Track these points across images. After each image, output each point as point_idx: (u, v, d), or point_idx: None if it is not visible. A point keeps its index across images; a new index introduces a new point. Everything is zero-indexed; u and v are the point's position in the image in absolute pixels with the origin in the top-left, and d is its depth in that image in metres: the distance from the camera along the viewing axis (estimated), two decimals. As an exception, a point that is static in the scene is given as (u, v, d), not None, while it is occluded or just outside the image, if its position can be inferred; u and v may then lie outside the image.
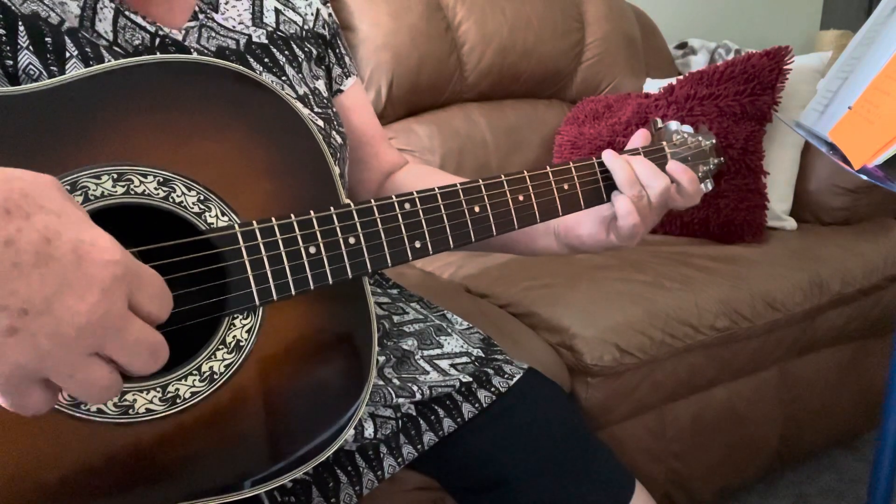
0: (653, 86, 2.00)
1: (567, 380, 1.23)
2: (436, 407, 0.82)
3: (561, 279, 1.38)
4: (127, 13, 0.69)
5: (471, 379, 0.84)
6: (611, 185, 0.79)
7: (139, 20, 0.70)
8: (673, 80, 1.72)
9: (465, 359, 0.87)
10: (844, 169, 0.82)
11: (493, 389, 0.85)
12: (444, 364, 0.86)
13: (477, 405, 0.83)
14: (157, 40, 0.71)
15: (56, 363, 0.39)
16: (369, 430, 0.78)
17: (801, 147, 1.75)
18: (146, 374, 0.44)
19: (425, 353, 0.87)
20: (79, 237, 0.40)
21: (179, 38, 0.73)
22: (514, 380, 0.86)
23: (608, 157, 0.77)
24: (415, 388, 0.81)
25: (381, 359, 0.83)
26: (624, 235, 0.78)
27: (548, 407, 0.86)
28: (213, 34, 0.75)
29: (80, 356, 0.40)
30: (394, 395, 0.79)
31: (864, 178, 0.79)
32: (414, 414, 0.81)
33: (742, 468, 1.53)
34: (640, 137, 0.85)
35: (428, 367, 0.85)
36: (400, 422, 0.80)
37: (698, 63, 2.36)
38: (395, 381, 0.81)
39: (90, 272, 0.40)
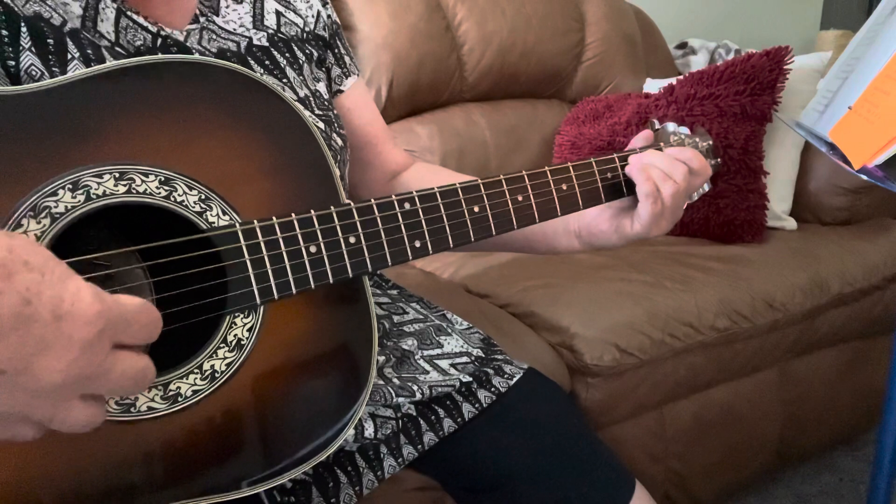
0: (653, 86, 2.00)
1: (567, 380, 1.23)
2: (436, 407, 0.82)
3: (561, 279, 1.38)
4: (129, 13, 0.69)
5: (471, 379, 0.84)
6: (608, 186, 0.79)
7: (141, 20, 0.70)
8: (673, 80, 1.72)
9: (465, 359, 0.87)
10: (844, 169, 0.82)
11: (493, 389, 0.85)
12: (444, 364, 0.86)
13: (477, 405, 0.83)
14: (159, 41, 0.71)
15: (37, 411, 0.40)
16: (369, 431, 0.78)
17: (801, 147, 1.75)
18: (133, 395, 0.44)
19: (425, 352, 0.87)
20: (60, 295, 0.40)
21: (181, 38, 0.73)
22: (514, 380, 0.86)
23: (634, 169, 0.79)
24: (415, 387, 0.81)
25: (381, 359, 0.83)
26: (646, 222, 0.78)
27: (548, 407, 0.86)
28: (214, 37, 0.75)
29: (60, 403, 0.41)
30: (394, 395, 0.79)
31: (864, 178, 0.79)
32: (414, 414, 0.81)
33: (742, 468, 1.53)
34: (642, 138, 0.85)
35: (428, 367, 0.85)
36: (400, 422, 0.80)
37: (698, 63, 2.36)
38: (395, 380, 0.81)
39: (69, 332, 0.40)
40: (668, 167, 0.78)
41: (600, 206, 0.84)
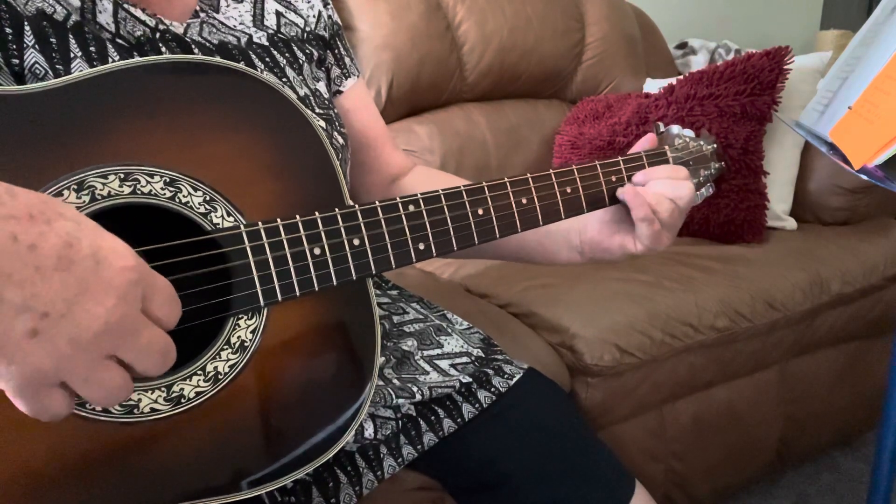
0: (653, 86, 2.00)
1: (567, 380, 1.23)
2: (436, 407, 0.83)
3: (561, 279, 1.39)
4: (126, 6, 0.69)
5: (471, 379, 0.85)
6: (613, 190, 0.79)
7: (138, 13, 0.70)
8: (673, 80, 1.72)
9: (465, 359, 0.87)
10: (844, 169, 0.82)
11: (493, 390, 0.85)
12: (444, 364, 0.86)
13: (477, 405, 0.83)
14: (158, 34, 0.71)
15: (74, 366, 0.40)
16: (369, 431, 0.78)
17: (801, 147, 1.75)
18: (155, 375, 0.45)
19: (425, 353, 0.87)
20: (98, 243, 0.41)
21: (180, 31, 0.73)
22: (514, 380, 0.86)
23: (628, 194, 0.78)
24: (415, 388, 0.81)
25: (382, 359, 0.83)
26: (649, 243, 0.79)
27: (548, 407, 0.86)
28: (215, 30, 0.75)
29: (96, 359, 0.41)
30: (394, 396, 0.79)
31: (864, 178, 0.79)
32: (414, 414, 0.81)
33: (742, 468, 1.53)
34: (646, 141, 0.85)
35: (428, 368, 0.85)
36: (400, 422, 0.81)
37: (698, 63, 2.36)
38: (395, 381, 0.82)
39: (108, 277, 0.41)
40: (654, 202, 0.77)
41: (603, 222, 0.83)
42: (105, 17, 0.68)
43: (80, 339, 0.40)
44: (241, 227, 0.57)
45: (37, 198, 0.40)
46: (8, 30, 0.61)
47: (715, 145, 0.90)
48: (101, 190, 0.52)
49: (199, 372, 0.56)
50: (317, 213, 0.60)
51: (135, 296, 0.42)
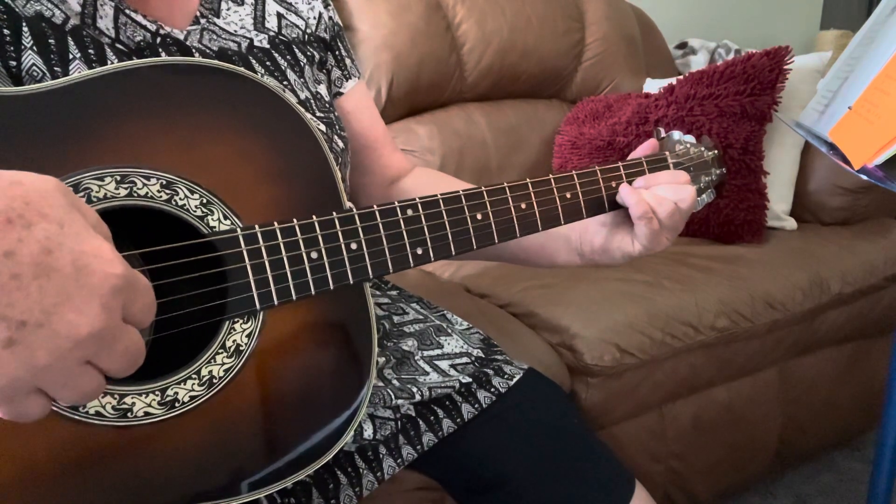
0: (653, 86, 2.00)
1: (567, 380, 1.23)
2: (435, 408, 0.82)
3: (561, 279, 1.39)
4: (127, 11, 0.69)
5: (471, 380, 0.85)
6: (613, 196, 0.79)
7: (139, 19, 0.70)
8: (673, 80, 1.72)
9: (465, 359, 0.87)
10: (844, 169, 0.82)
11: (492, 390, 0.85)
12: (443, 365, 0.86)
13: (477, 406, 0.83)
14: (159, 39, 0.71)
15: (51, 375, 0.39)
16: (368, 432, 0.78)
17: (801, 147, 1.75)
18: (123, 376, 0.44)
19: (425, 353, 0.87)
20: (80, 248, 0.40)
21: (181, 37, 0.73)
22: (514, 380, 0.86)
23: (624, 192, 0.78)
24: (414, 389, 0.81)
25: (381, 360, 0.83)
26: (647, 243, 0.78)
27: (548, 407, 0.86)
28: (215, 37, 0.75)
29: (74, 367, 0.40)
30: (393, 397, 0.79)
31: (864, 178, 0.79)
32: (413, 415, 0.81)
33: (742, 468, 1.53)
34: (647, 147, 0.85)
35: (428, 368, 0.85)
36: (399, 423, 0.81)
37: (698, 63, 2.36)
38: (395, 381, 0.82)
39: (91, 285, 0.39)
40: (655, 203, 0.77)
41: (603, 225, 0.83)
42: (105, 23, 0.68)
43: (59, 348, 0.39)
44: (238, 230, 0.57)
45: (19, 197, 0.39)
46: (6, 31, 0.61)
47: (716, 151, 0.90)
48: (97, 192, 0.52)
49: (193, 376, 0.56)
50: (314, 217, 0.60)
51: (118, 303, 0.41)
